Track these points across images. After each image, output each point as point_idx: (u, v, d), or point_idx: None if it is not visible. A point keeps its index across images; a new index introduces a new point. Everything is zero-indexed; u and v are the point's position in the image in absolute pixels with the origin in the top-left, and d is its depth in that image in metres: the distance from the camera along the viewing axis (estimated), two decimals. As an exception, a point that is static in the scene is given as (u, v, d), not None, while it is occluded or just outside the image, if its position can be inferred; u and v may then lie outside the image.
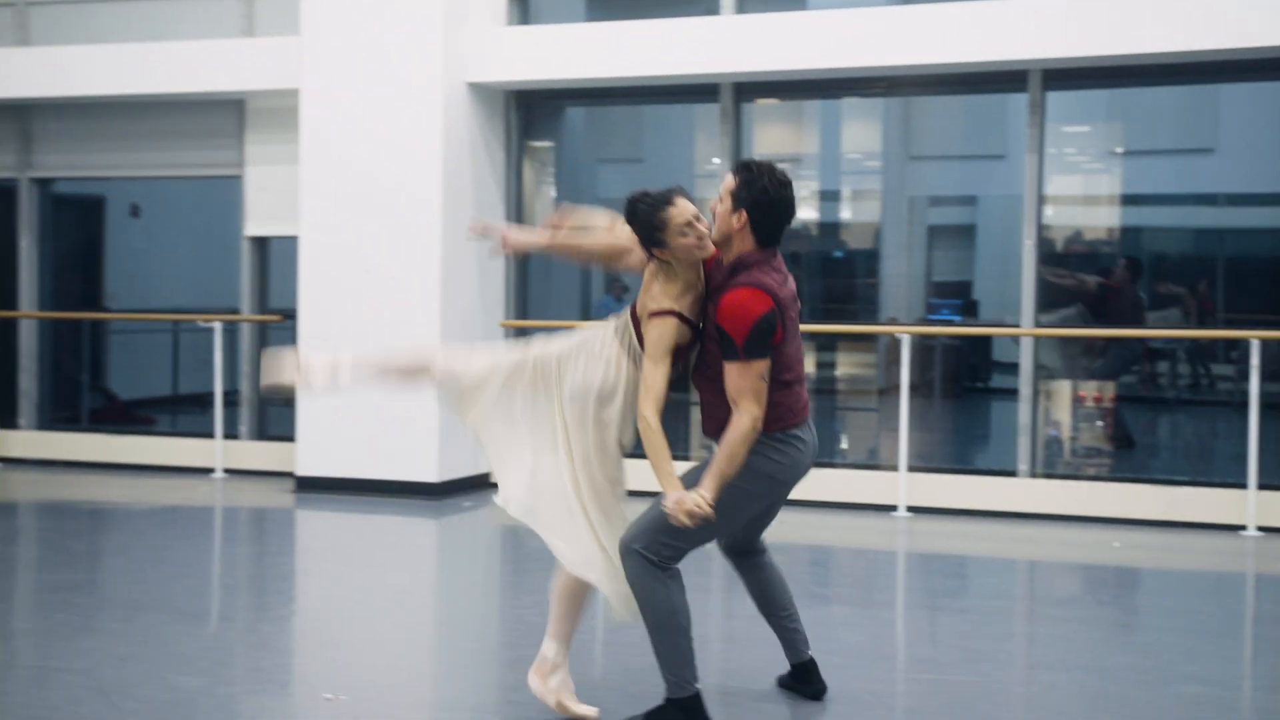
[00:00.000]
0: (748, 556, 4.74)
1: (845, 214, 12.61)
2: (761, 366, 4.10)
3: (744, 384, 4.09)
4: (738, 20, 9.05)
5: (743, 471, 4.16)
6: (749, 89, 9.34)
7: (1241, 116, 10.33)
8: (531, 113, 9.94)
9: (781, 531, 4.94)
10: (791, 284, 4.30)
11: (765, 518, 4.61)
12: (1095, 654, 5.44)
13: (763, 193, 4.18)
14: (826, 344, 11.31)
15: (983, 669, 5.18)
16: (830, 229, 12.33)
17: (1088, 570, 7.54)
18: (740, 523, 4.46)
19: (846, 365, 11.84)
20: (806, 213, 11.69)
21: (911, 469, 8.73)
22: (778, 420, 4.22)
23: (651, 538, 4.20)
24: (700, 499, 4.03)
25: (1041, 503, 8.57)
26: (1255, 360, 8.11)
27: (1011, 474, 8.78)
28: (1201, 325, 10.33)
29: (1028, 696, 5.01)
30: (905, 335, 8.92)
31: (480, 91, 9.35)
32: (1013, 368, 9.15)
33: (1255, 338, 8.24)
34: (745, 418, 4.09)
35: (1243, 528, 8.04)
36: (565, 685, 4.53)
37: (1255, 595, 6.95)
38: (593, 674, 4.99)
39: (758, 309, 4.08)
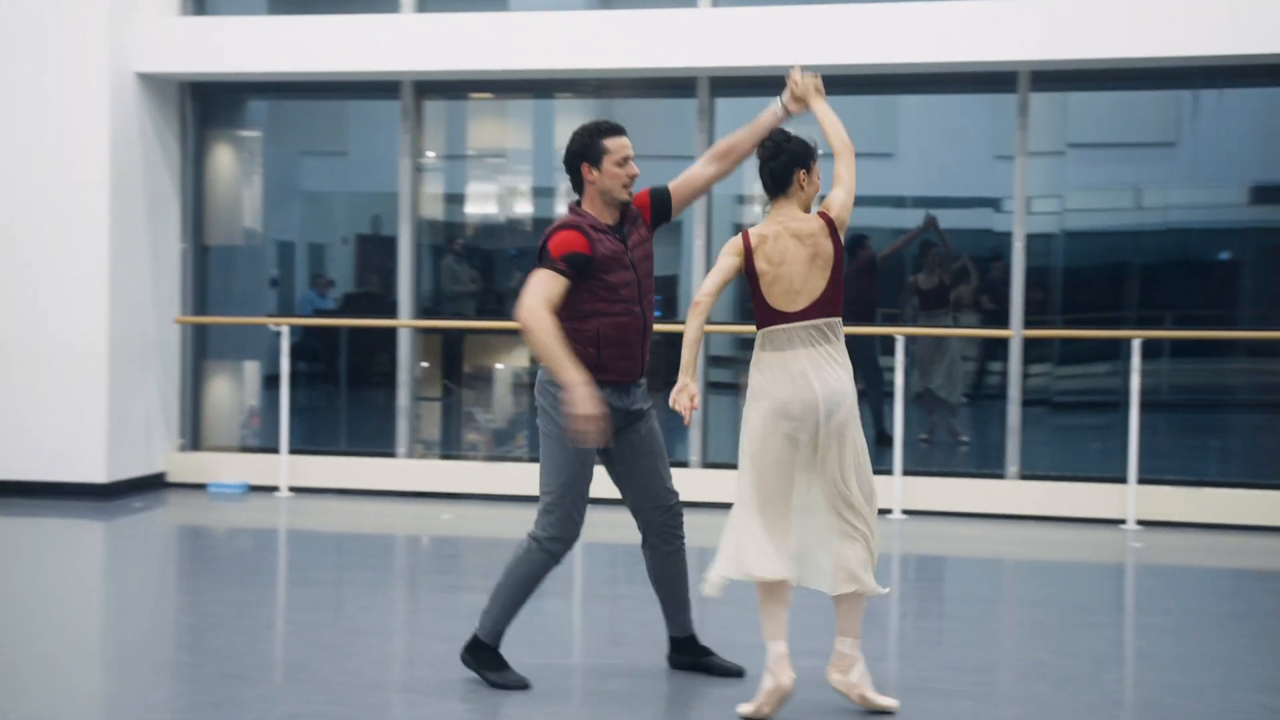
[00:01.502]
0: (653, 544, 5.01)
1: (561, 210, 12.75)
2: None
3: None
4: (416, 19, 9.08)
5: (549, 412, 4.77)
6: (430, 88, 9.38)
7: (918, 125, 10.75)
8: (211, 105, 9.78)
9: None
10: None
11: (623, 483, 4.96)
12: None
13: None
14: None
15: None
16: (545, 225, 12.43)
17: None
18: (578, 473, 4.80)
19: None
20: (522, 208, 11.79)
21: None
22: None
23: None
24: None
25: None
26: (1136, 360, 8.48)
27: (684, 464, 9.05)
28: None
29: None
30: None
31: (152, 83, 9.16)
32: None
33: (1136, 337, 8.60)
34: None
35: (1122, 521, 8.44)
36: (865, 678, 4.65)
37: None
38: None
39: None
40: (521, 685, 4.88)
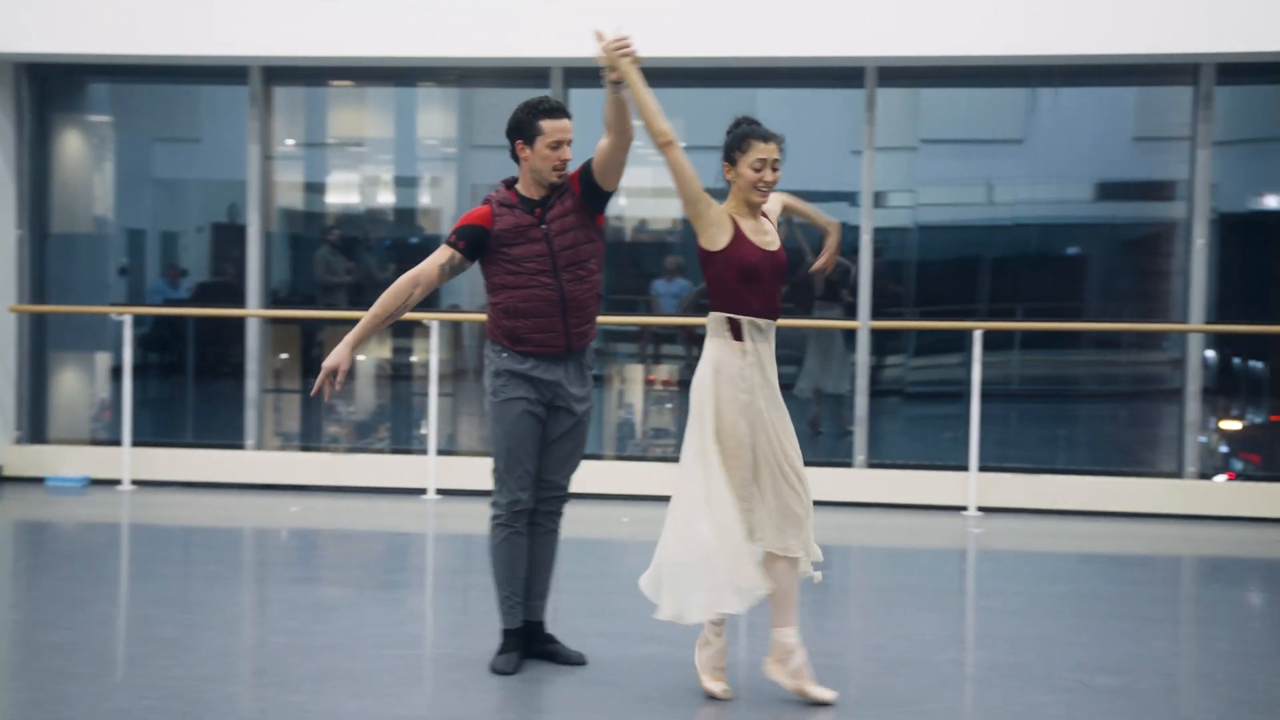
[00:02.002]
0: (536, 521, 5.07)
1: (425, 200, 12.65)
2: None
3: None
4: (263, 3, 8.93)
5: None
6: (281, 74, 9.25)
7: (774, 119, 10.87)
8: (52, 87, 9.52)
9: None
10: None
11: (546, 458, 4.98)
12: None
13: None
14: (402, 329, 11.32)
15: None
16: (408, 215, 12.33)
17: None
18: (515, 441, 4.87)
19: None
20: (384, 198, 11.68)
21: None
22: (491, 329, 4.91)
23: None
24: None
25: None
26: (978, 351, 8.69)
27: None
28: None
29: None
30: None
31: (-18, 62, 8.91)
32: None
33: (977, 328, 8.80)
34: None
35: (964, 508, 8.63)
36: (804, 669, 4.62)
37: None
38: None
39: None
40: (504, 671, 4.93)
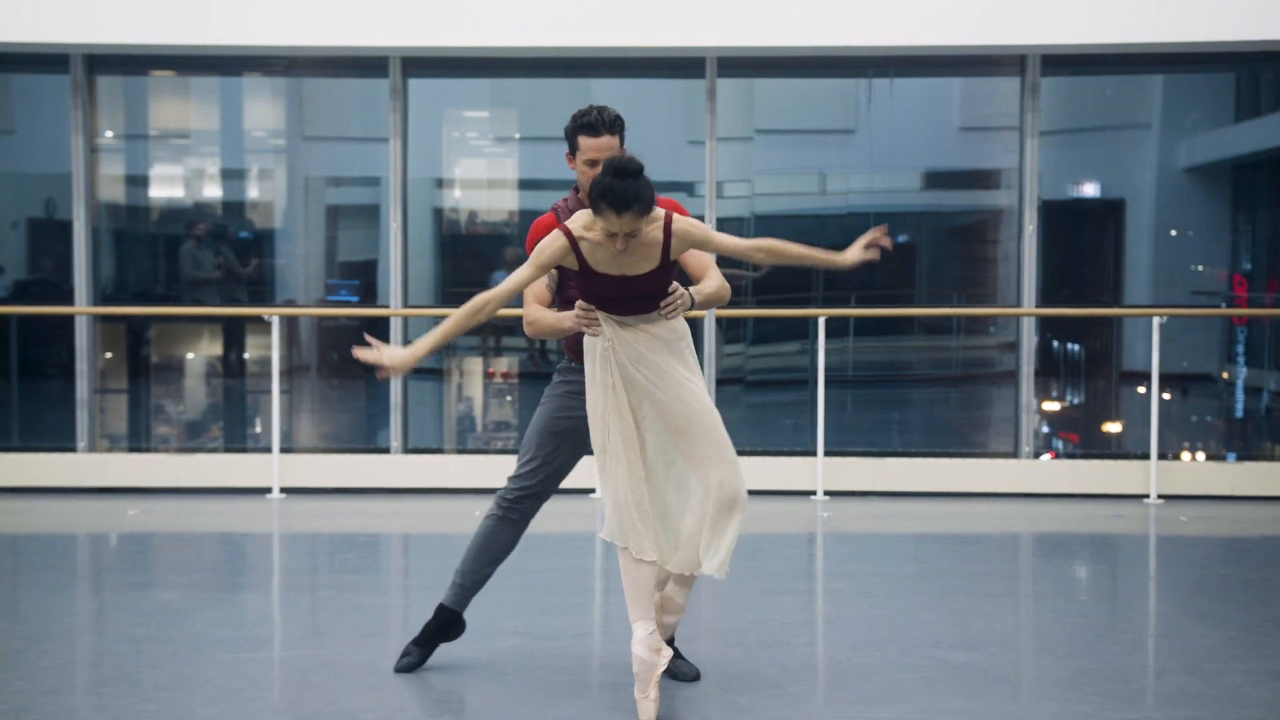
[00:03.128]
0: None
1: (253, 193, 12.33)
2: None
3: None
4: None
5: None
6: (103, 63, 8.91)
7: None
8: None
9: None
10: None
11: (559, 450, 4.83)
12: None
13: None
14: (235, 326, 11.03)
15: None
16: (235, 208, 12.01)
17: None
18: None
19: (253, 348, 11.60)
20: (211, 191, 11.34)
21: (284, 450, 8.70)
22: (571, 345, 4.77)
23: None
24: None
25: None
26: (821, 339, 8.80)
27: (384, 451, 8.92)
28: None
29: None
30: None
31: None
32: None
33: (821, 315, 8.88)
34: None
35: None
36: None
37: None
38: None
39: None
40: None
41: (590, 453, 4.62)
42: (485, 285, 10.16)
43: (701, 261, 4.65)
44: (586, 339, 4.48)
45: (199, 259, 10.02)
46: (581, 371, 4.67)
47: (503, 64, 9.31)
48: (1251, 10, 8.58)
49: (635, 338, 4.41)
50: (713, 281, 4.61)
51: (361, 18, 8.56)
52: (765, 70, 9.48)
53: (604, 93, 10.31)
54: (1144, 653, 5.32)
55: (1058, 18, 8.67)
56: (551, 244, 4.32)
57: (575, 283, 4.46)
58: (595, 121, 4.56)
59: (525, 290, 4.56)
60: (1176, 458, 9.51)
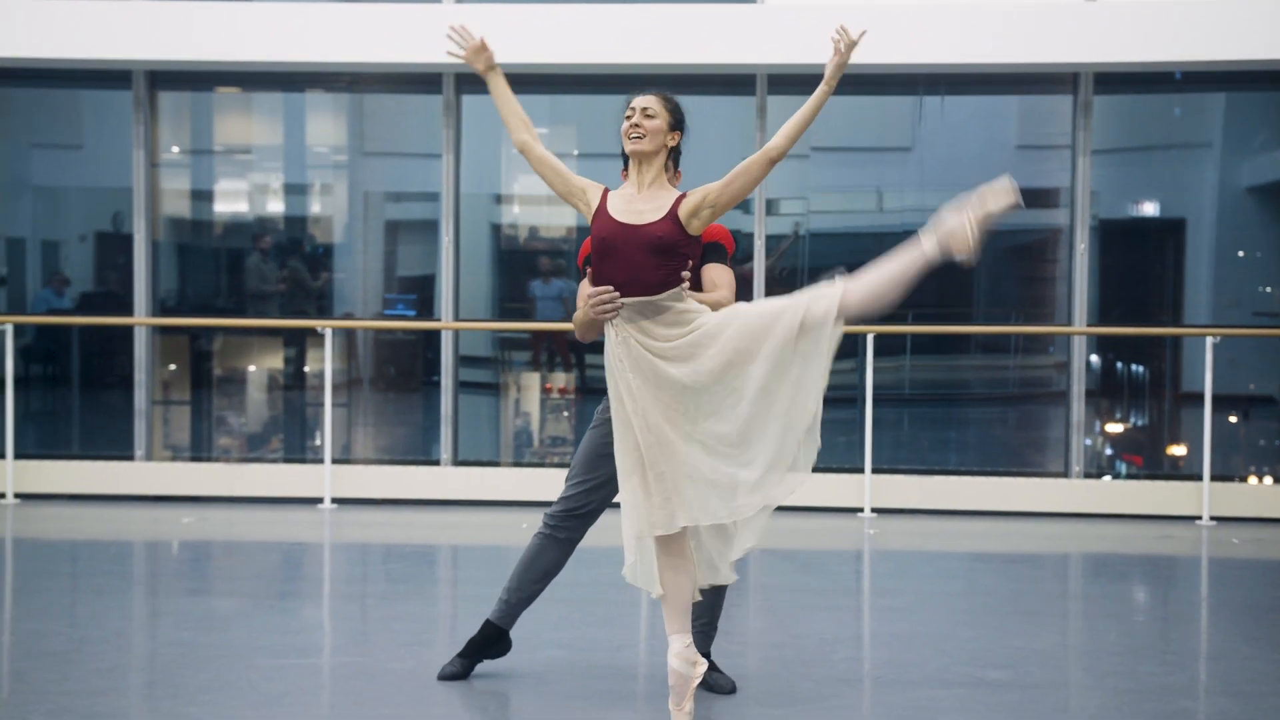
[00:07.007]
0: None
1: (316, 209, 12.51)
2: None
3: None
4: (146, 6, 8.79)
5: None
6: (166, 79, 9.10)
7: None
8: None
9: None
10: None
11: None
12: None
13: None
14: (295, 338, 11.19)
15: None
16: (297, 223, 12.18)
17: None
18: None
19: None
20: (274, 206, 11.52)
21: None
22: None
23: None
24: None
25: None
26: (869, 355, 8.85)
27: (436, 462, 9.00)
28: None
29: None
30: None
31: None
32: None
33: (870, 332, 8.91)
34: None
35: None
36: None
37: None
38: None
39: None
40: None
41: None
42: (532, 299, 10.24)
43: (713, 279, 4.71)
44: (606, 356, 4.41)
45: (264, 272, 10.17)
46: None
47: (559, 80, 9.39)
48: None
49: (640, 337, 4.26)
50: (712, 296, 4.62)
51: (416, 35, 8.67)
52: (816, 88, 9.48)
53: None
54: (1185, 674, 5.27)
55: (1110, 35, 8.62)
56: (584, 190, 4.41)
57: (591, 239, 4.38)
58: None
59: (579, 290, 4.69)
60: (1244, 480, 9.39)
